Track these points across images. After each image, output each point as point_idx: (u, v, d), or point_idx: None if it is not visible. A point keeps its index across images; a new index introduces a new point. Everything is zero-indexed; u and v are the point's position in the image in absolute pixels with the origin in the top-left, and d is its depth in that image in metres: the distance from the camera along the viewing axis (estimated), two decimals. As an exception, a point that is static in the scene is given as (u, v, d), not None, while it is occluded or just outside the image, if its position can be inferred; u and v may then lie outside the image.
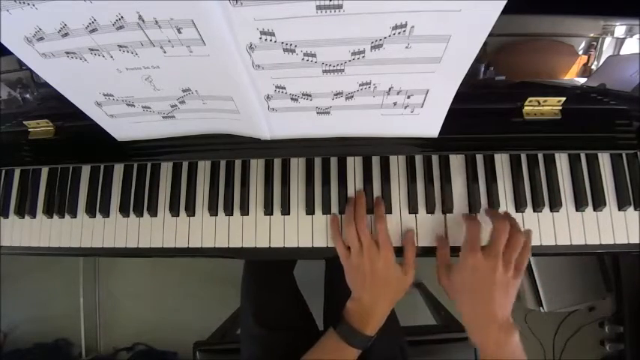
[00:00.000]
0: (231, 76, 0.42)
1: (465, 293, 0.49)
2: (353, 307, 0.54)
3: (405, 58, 0.40)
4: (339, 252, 0.55)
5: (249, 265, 0.78)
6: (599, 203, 0.55)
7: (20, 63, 0.52)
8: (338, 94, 0.46)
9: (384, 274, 0.52)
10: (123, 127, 0.55)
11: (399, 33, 0.36)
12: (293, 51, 0.39)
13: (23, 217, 0.65)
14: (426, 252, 0.56)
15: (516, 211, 0.56)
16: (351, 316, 0.53)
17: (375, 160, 0.59)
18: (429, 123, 0.51)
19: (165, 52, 0.40)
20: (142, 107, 0.50)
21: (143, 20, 0.36)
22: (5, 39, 0.40)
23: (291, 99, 0.47)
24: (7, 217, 0.65)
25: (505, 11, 0.33)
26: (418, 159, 0.58)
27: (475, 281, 0.47)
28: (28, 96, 0.58)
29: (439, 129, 0.52)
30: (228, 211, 0.60)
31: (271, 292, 0.75)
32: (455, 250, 0.54)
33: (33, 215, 0.65)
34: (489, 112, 0.55)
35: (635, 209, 0.55)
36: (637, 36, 0.46)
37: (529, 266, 1.22)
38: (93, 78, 0.45)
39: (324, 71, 0.42)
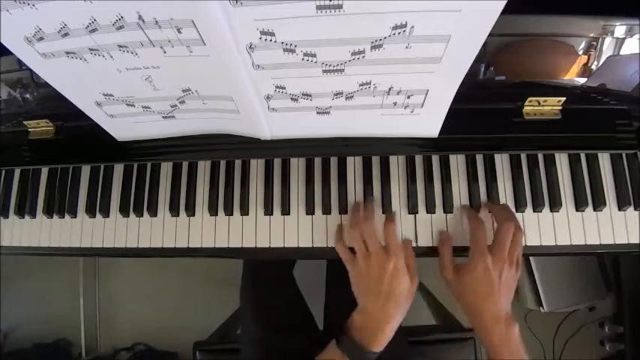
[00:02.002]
0: (231, 76, 0.42)
1: (474, 295, 0.49)
2: (359, 320, 0.50)
3: (405, 58, 0.40)
4: (341, 256, 0.53)
5: (249, 266, 0.78)
6: (599, 203, 0.55)
7: (20, 63, 0.52)
8: (338, 94, 0.46)
9: (392, 281, 0.49)
10: (123, 127, 0.55)
11: (399, 33, 0.36)
12: (293, 51, 0.39)
13: (23, 217, 0.65)
14: (426, 252, 0.56)
15: (516, 211, 0.56)
16: (357, 329, 0.49)
17: (375, 160, 0.59)
18: (429, 123, 0.51)
19: (165, 52, 0.40)
20: (142, 107, 0.50)
21: (143, 20, 0.36)
22: (5, 39, 0.40)
23: (291, 99, 0.47)
24: (7, 217, 0.65)
25: (505, 11, 0.33)
26: (418, 159, 0.58)
27: (485, 284, 0.48)
28: (28, 96, 0.58)
29: (439, 129, 0.52)
30: (228, 211, 0.60)
31: (271, 292, 0.75)
32: (456, 250, 0.54)
33: (33, 215, 0.65)
34: (489, 112, 0.55)
35: (635, 209, 0.55)
36: (637, 36, 0.46)
37: (529, 266, 1.22)
38: (93, 78, 0.45)
39: (324, 71, 0.42)
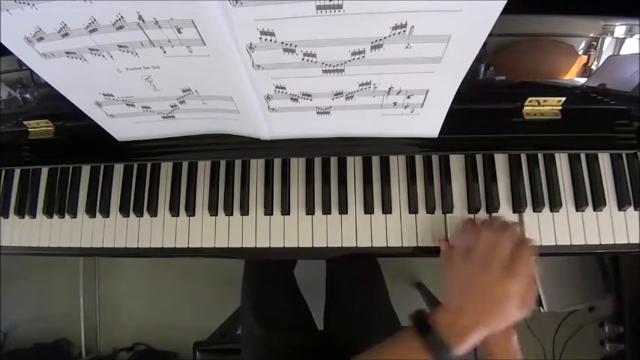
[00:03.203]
0: (231, 76, 0.42)
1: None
2: (447, 319, 0.45)
3: (405, 58, 0.40)
4: (442, 248, 0.53)
5: (250, 266, 0.79)
6: (599, 203, 0.55)
7: (20, 63, 0.52)
8: (338, 94, 0.46)
9: (509, 295, 0.44)
10: (123, 127, 0.55)
11: (399, 33, 0.36)
12: (293, 51, 0.39)
13: (23, 217, 0.65)
14: (427, 252, 0.56)
15: (516, 211, 0.56)
16: (443, 326, 0.44)
17: (375, 160, 0.59)
18: (429, 123, 0.51)
19: (165, 52, 0.40)
20: (142, 107, 0.50)
21: (143, 20, 0.36)
22: (5, 39, 0.40)
23: (291, 99, 0.47)
24: (7, 217, 0.65)
25: (505, 11, 0.33)
26: (418, 159, 0.58)
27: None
28: (28, 96, 0.58)
29: (439, 129, 0.52)
30: (228, 211, 0.60)
31: (271, 292, 0.75)
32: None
33: (33, 215, 0.65)
34: (489, 112, 0.55)
35: (635, 209, 0.55)
36: (637, 36, 0.46)
37: (529, 266, 1.22)
38: (93, 78, 0.45)
39: (324, 71, 0.42)
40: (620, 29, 0.46)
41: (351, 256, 0.57)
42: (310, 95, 0.46)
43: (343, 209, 0.58)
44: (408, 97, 0.46)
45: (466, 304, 0.45)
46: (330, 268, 0.85)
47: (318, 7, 0.34)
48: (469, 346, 0.43)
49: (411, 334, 0.45)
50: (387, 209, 0.57)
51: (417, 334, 0.44)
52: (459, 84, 0.44)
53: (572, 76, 0.51)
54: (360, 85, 0.44)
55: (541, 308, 1.21)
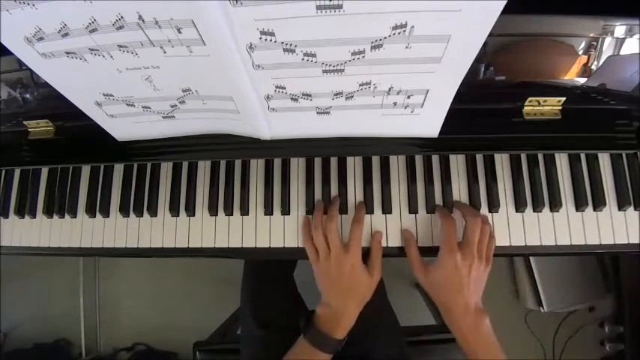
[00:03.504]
0: (231, 76, 0.42)
1: (444, 291, 0.52)
2: (322, 312, 0.54)
3: (405, 58, 0.40)
4: (309, 255, 0.55)
5: (249, 266, 0.78)
6: (599, 203, 0.55)
7: (20, 63, 0.52)
8: (338, 94, 0.46)
9: (350, 279, 0.53)
10: (123, 127, 0.55)
11: (399, 33, 0.36)
12: (293, 51, 0.39)
13: (23, 217, 0.65)
14: (427, 252, 0.56)
15: (516, 211, 0.56)
16: (321, 320, 0.54)
17: (375, 160, 0.59)
18: (429, 123, 0.51)
19: (165, 52, 0.40)
20: (142, 107, 0.50)
21: (143, 20, 0.36)
22: (5, 39, 0.40)
23: (291, 99, 0.47)
24: (7, 217, 0.65)
25: (505, 11, 0.33)
26: (418, 159, 0.58)
27: (455, 279, 0.50)
28: (28, 96, 0.58)
29: (439, 129, 0.52)
30: (228, 211, 0.60)
31: (271, 292, 0.75)
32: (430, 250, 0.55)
33: (33, 215, 0.65)
34: (489, 112, 0.55)
35: (635, 209, 0.55)
36: (637, 36, 0.46)
37: (529, 266, 1.22)
38: (93, 78, 0.45)
39: (324, 71, 0.42)
40: (620, 29, 0.46)
41: None
42: (310, 95, 0.46)
43: (343, 209, 0.58)
44: (408, 97, 0.46)
45: (332, 299, 0.53)
46: None
47: (318, 7, 0.34)
48: (346, 329, 0.53)
49: (301, 336, 0.53)
50: (387, 209, 0.57)
51: (302, 333, 0.53)
52: (459, 84, 0.44)
53: (572, 76, 0.51)
54: (360, 85, 0.44)
55: (541, 308, 1.21)
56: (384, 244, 0.56)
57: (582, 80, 0.51)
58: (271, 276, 0.77)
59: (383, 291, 0.76)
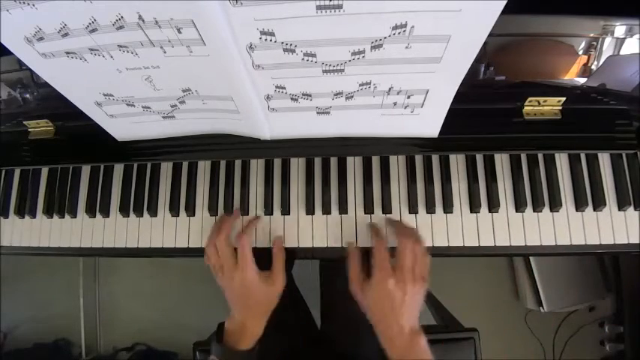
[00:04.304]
0: (232, 76, 0.42)
1: (377, 312, 0.50)
2: (228, 325, 0.54)
3: (405, 58, 0.40)
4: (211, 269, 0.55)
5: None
6: (599, 203, 0.55)
7: (20, 63, 0.52)
8: (338, 94, 0.46)
9: (244, 291, 0.52)
10: (123, 127, 0.55)
11: (399, 33, 0.36)
12: (293, 51, 0.39)
13: (23, 217, 0.65)
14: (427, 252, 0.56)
15: (516, 211, 0.56)
16: (227, 333, 0.53)
17: (375, 160, 0.59)
18: (429, 123, 0.51)
19: (165, 52, 0.40)
20: (142, 107, 0.50)
21: (143, 20, 0.36)
22: (5, 39, 0.40)
23: (291, 99, 0.47)
24: (7, 217, 0.65)
25: (505, 11, 0.33)
26: (418, 159, 0.58)
27: (387, 303, 0.49)
28: (28, 96, 0.58)
29: (439, 129, 0.52)
30: (229, 211, 0.60)
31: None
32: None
33: (33, 215, 0.65)
34: (489, 112, 0.55)
35: (635, 209, 0.55)
36: (637, 36, 0.46)
37: (529, 266, 1.22)
38: (93, 78, 0.45)
39: (324, 71, 0.42)
40: (620, 29, 0.46)
41: (345, 258, 0.57)
42: (310, 95, 0.46)
43: (343, 209, 0.58)
44: (408, 97, 0.46)
45: (235, 311, 0.53)
46: (324, 267, 0.85)
47: (318, 7, 0.34)
48: (251, 339, 0.52)
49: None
50: (387, 209, 0.57)
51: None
52: (459, 84, 0.44)
53: (572, 76, 0.51)
54: (360, 85, 0.44)
55: (541, 308, 1.21)
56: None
57: (582, 80, 0.51)
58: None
59: None
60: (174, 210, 0.60)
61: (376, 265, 0.50)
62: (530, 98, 0.54)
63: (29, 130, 0.64)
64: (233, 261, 0.52)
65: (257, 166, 0.61)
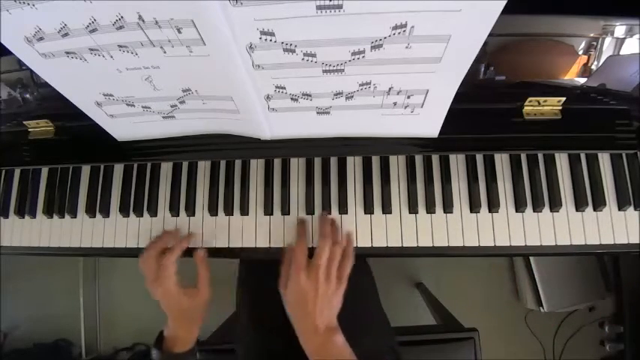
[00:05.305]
0: (231, 76, 0.42)
1: (294, 309, 0.52)
2: (165, 332, 0.57)
3: (405, 58, 0.40)
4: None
5: (245, 265, 0.78)
6: (599, 203, 0.55)
7: (20, 63, 0.52)
8: (338, 94, 0.46)
9: (169, 303, 0.55)
10: (123, 127, 0.55)
11: (399, 33, 0.36)
12: (293, 51, 0.39)
13: (23, 217, 0.65)
14: (427, 252, 0.56)
15: (516, 211, 0.56)
16: (165, 338, 0.56)
17: (375, 160, 0.59)
18: (429, 123, 0.51)
19: (165, 52, 0.40)
20: (142, 107, 0.50)
21: (143, 20, 0.36)
22: (5, 39, 0.40)
23: (291, 99, 0.47)
24: (7, 217, 0.65)
25: (505, 11, 0.33)
26: (418, 159, 0.58)
27: (301, 300, 0.51)
28: (28, 96, 0.58)
29: (439, 129, 0.52)
30: (228, 211, 0.60)
31: (267, 292, 0.74)
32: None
33: (33, 215, 0.65)
34: (489, 112, 0.55)
35: (635, 209, 0.55)
36: (637, 36, 0.46)
37: (529, 266, 1.22)
38: (93, 78, 0.45)
39: (324, 71, 0.42)
40: (620, 29, 0.46)
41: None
42: (310, 95, 0.46)
43: (343, 209, 0.58)
44: (408, 97, 0.46)
45: (168, 320, 0.56)
46: None
47: (318, 7, 0.34)
48: (186, 343, 0.56)
49: None
50: (387, 209, 0.57)
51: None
52: (459, 84, 0.44)
53: (572, 76, 0.51)
54: (360, 85, 0.44)
55: (541, 308, 1.21)
56: (383, 244, 0.56)
57: (582, 80, 0.51)
58: (268, 276, 0.77)
59: (372, 289, 0.75)
60: (174, 210, 0.60)
61: (293, 263, 0.52)
62: (530, 98, 0.54)
63: (29, 130, 0.64)
64: (155, 276, 0.55)
65: (257, 166, 0.61)
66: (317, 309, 0.50)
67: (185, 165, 0.62)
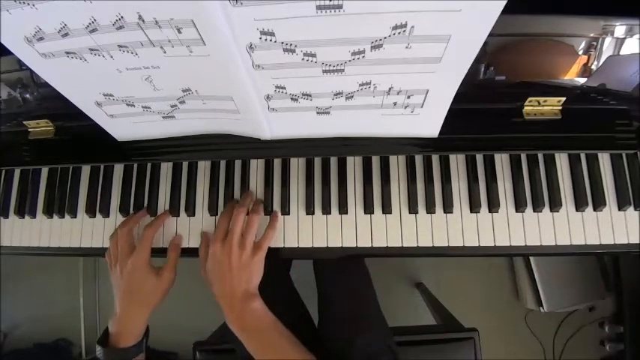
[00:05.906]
0: (232, 76, 0.42)
1: (211, 278, 0.54)
2: (110, 325, 0.56)
3: (405, 58, 0.40)
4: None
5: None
6: (599, 203, 0.55)
7: (20, 63, 0.53)
8: (338, 94, 0.46)
9: (132, 279, 0.54)
10: (123, 127, 0.55)
11: (399, 33, 0.36)
12: (293, 51, 0.39)
13: (23, 217, 0.65)
14: (427, 252, 0.56)
15: (516, 211, 0.56)
16: (110, 334, 0.55)
17: (375, 160, 0.59)
18: (429, 123, 0.51)
19: (165, 52, 0.40)
20: (142, 107, 0.50)
21: (143, 20, 0.36)
22: (5, 39, 0.40)
23: (291, 99, 0.47)
24: (7, 217, 0.65)
25: (505, 11, 0.33)
26: (418, 159, 0.58)
27: (216, 268, 0.53)
28: (28, 96, 0.58)
29: (439, 129, 0.52)
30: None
31: (268, 292, 0.74)
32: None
33: (33, 215, 0.65)
34: (489, 112, 0.55)
35: (635, 209, 0.55)
36: (637, 36, 0.46)
37: (529, 266, 1.22)
38: (93, 78, 0.45)
39: (324, 71, 0.42)
40: (620, 29, 0.46)
41: (339, 259, 0.58)
42: (310, 95, 0.46)
43: (343, 209, 0.58)
44: (408, 97, 0.46)
45: (118, 305, 0.55)
46: (318, 267, 0.84)
47: (318, 7, 0.34)
48: (132, 337, 0.54)
49: None
50: (387, 209, 0.57)
51: None
52: (459, 84, 0.44)
53: (572, 76, 0.51)
54: (360, 85, 0.44)
55: (541, 308, 1.21)
56: (383, 245, 0.56)
57: (582, 80, 0.51)
58: (267, 275, 0.77)
59: (369, 289, 0.75)
60: (174, 210, 0.60)
61: (213, 234, 0.54)
62: (530, 98, 0.54)
63: (29, 130, 0.64)
64: (129, 250, 0.55)
65: (257, 166, 0.61)
66: (233, 275, 0.52)
67: (185, 165, 0.62)
